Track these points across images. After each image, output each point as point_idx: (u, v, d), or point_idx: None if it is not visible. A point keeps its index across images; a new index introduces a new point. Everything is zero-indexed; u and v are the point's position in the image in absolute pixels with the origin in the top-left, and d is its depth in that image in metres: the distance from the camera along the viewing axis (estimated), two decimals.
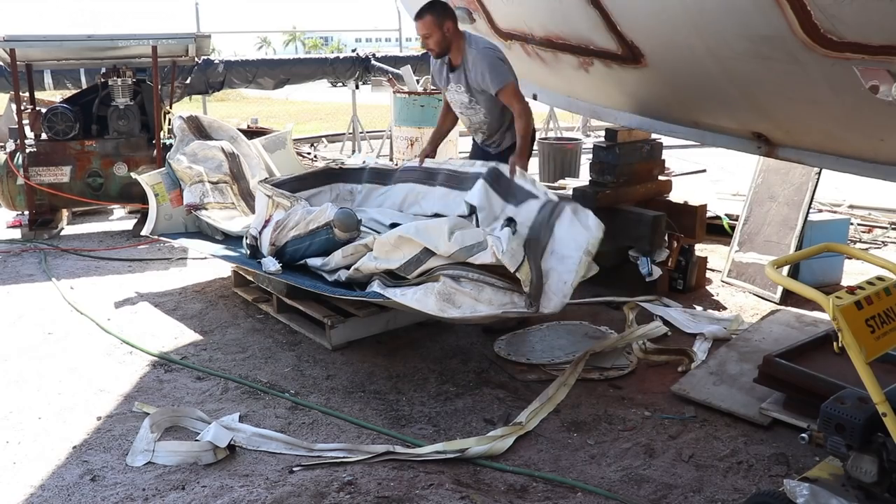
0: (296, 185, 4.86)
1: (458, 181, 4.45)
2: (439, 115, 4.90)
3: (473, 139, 4.75)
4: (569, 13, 4.02)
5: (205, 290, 5.13)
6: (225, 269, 5.34)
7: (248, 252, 4.58)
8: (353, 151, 11.05)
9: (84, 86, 9.28)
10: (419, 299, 3.49)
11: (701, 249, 5.17)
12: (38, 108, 6.88)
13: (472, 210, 4.11)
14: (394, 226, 4.13)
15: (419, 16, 4.17)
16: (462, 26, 4.44)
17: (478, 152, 4.70)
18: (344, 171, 5.23)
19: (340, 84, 14.85)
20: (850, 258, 4.95)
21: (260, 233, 4.45)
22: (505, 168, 4.17)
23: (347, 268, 3.96)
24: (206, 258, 5.58)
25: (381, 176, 5.05)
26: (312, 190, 4.91)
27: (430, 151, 4.78)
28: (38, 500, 2.78)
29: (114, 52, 7.22)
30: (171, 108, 7.75)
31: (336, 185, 5.07)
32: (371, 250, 3.86)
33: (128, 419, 3.36)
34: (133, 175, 5.97)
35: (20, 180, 6.57)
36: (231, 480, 2.86)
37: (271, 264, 4.19)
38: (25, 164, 6.53)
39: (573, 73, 4.61)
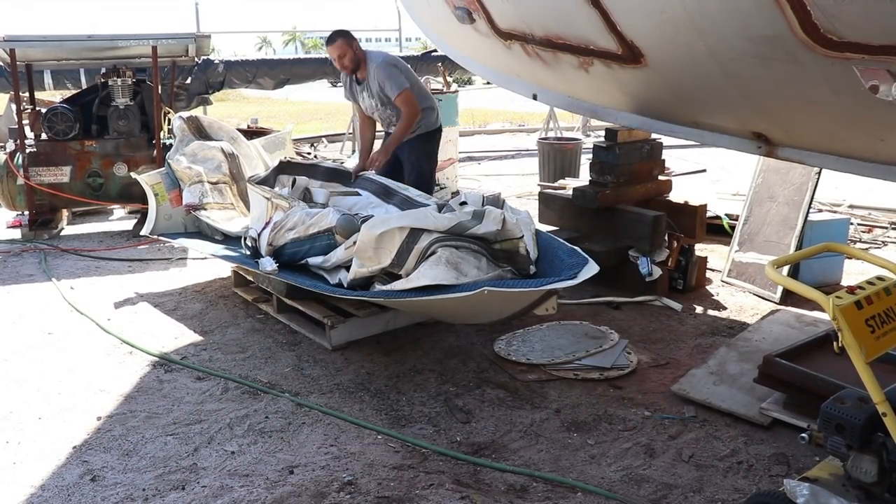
0: (270, 181, 5.00)
1: (410, 206, 4.41)
2: (359, 129, 5.66)
3: (386, 132, 5.31)
4: (569, 13, 4.02)
5: (205, 290, 5.13)
6: (225, 269, 5.34)
7: (249, 252, 4.58)
8: (353, 151, 11.04)
9: (84, 86, 9.28)
10: (427, 274, 3.44)
11: (701, 249, 5.17)
12: (38, 108, 6.89)
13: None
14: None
15: (331, 41, 4.96)
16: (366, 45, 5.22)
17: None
18: (292, 165, 5.32)
19: (340, 84, 14.87)
20: (850, 258, 4.95)
21: (259, 234, 4.45)
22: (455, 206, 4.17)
23: (348, 269, 3.96)
24: (206, 258, 5.58)
25: (340, 176, 5.15)
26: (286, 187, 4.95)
27: (362, 167, 5.14)
28: (38, 500, 2.78)
29: (114, 52, 7.23)
30: (171, 108, 7.74)
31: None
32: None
33: (128, 419, 3.37)
34: (133, 175, 5.97)
35: (20, 180, 6.58)
36: (231, 480, 2.86)
37: (268, 264, 4.19)
38: (25, 165, 6.54)
39: (573, 73, 4.61)
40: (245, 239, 4.65)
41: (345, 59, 4.95)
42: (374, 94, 5.05)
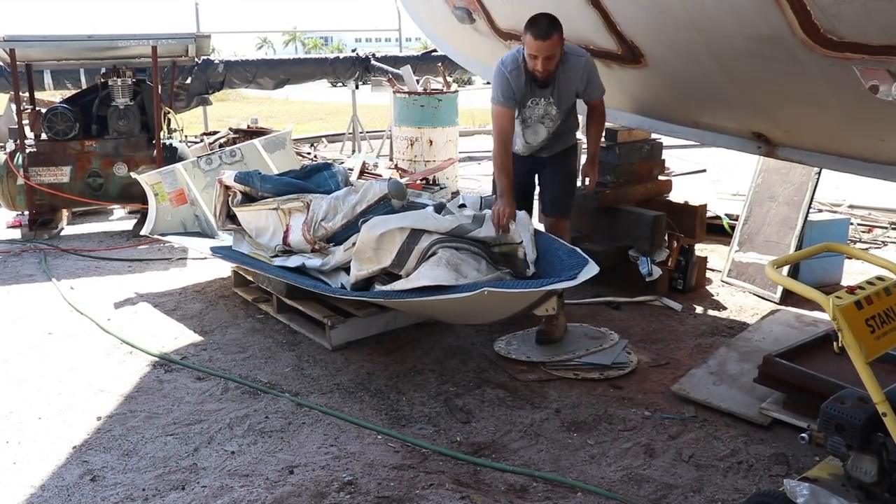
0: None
1: (409, 207, 4.32)
2: (503, 149, 3.96)
3: (519, 156, 4.17)
4: (569, 13, 4.02)
5: (205, 290, 5.13)
6: (225, 269, 5.34)
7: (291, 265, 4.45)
8: (354, 151, 11.05)
9: (84, 86, 9.28)
10: (428, 274, 3.45)
11: (701, 249, 5.17)
12: (38, 108, 6.88)
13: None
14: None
15: (547, 35, 3.63)
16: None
17: (524, 164, 4.20)
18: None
19: (340, 84, 14.87)
20: (850, 258, 4.95)
21: (286, 242, 4.45)
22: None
23: (347, 271, 3.97)
24: (205, 258, 5.58)
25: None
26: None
27: (509, 208, 3.82)
28: (38, 500, 2.78)
29: (114, 53, 7.22)
30: (171, 108, 7.74)
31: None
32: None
33: (128, 419, 3.37)
34: (133, 175, 5.98)
35: (20, 180, 6.57)
36: (231, 480, 2.86)
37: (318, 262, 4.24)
38: (25, 164, 6.53)
39: None
40: (270, 253, 4.59)
41: (554, 59, 3.75)
42: (560, 101, 3.95)
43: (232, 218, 4.85)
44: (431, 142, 8.00)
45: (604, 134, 4.66)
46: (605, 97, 4.09)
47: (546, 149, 4.18)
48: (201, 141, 9.58)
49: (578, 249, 3.59)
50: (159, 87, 6.93)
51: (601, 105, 4.10)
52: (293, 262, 4.36)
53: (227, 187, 4.76)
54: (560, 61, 3.79)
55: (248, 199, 4.70)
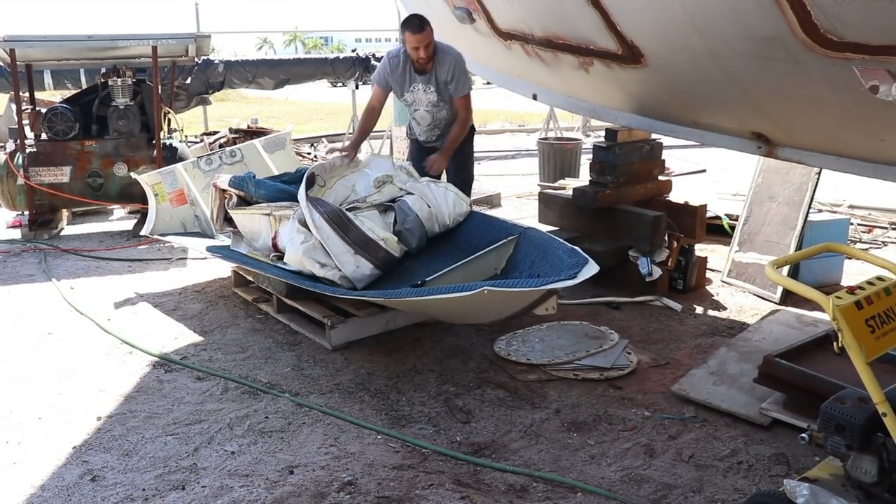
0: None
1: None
2: (365, 115, 5.12)
3: (415, 140, 5.12)
4: (569, 13, 4.02)
5: (205, 290, 5.13)
6: (225, 269, 5.34)
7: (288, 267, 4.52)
8: None
9: (84, 86, 9.28)
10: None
11: (701, 249, 5.17)
12: (38, 108, 6.89)
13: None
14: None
15: (420, 28, 4.50)
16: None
17: (419, 151, 5.07)
18: None
19: (340, 84, 14.86)
20: (850, 258, 4.95)
21: (275, 248, 4.46)
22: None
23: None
24: (205, 258, 5.58)
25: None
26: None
27: (354, 149, 4.87)
28: (38, 500, 2.78)
29: (114, 53, 7.22)
30: (171, 108, 7.74)
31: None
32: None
33: (128, 419, 3.37)
34: (133, 175, 5.98)
35: (20, 180, 6.58)
36: (231, 480, 2.86)
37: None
38: (25, 164, 6.53)
39: (573, 73, 4.61)
40: (267, 257, 4.60)
41: (429, 48, 4.60)
42: (437, 88, 4.73)
43: (229, 220, 4.86)
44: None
45: (603, 134, 4.70)
46: (605, 98, 4.09)
47: (439, 139, 4.95)
48: (201, 141, 9.59)
49: (578, 249, 3.59)
50: (159, 87, 6.93)
51: (462, 103, 4.74)
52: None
53: (223, 190, 4.77)
54: (434, 55, 4.62)
55: (244, 201, 4.71)
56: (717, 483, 2.82)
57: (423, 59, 4.61)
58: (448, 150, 4.77)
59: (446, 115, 4.86)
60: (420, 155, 4.98)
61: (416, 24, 4.54)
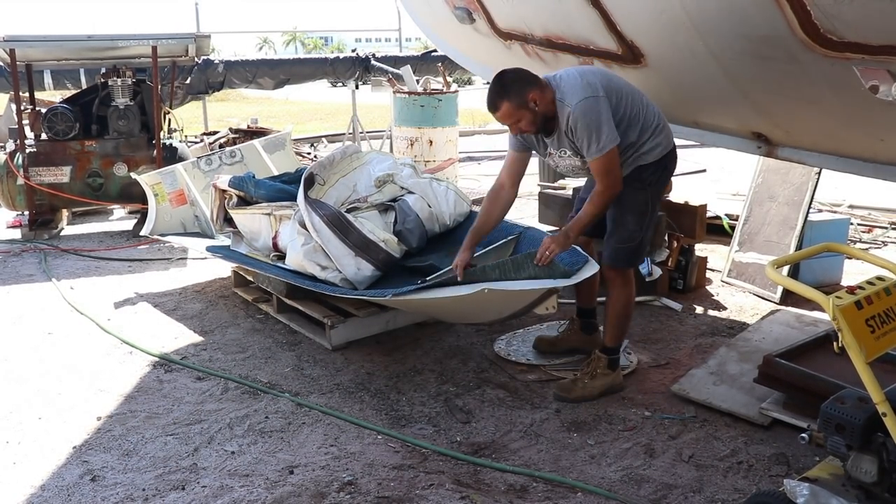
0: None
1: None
2: (490, 197, 3.59)
3: (577, 194, 3.98)
4: (569, 13, 4.02)
5: (205, 290, 5.13)
6: (225, 269, 5.34)
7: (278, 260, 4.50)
8: None
9: (84, 86, 9.28)
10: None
11: (701, 249, 5.17)
12: (38, 108, 6.89)
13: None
14: None
15: (494, 107, 3.30)
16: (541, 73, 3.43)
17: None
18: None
19: (340, 84, 14.87)
20: (850, 258, 4.95)
21: (276, 248, 4.45)
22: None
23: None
24: (205, 258, 5.58)
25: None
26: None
27: (468, 258, 3.50)
28: (38, 500, 2.78)
29: (114, 53, 7.23)
30: (171, 108, 7.75)
31: None
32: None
33: (128, 419, 3.37)
34: (133, 175, 5.98)
35: (20, 180, 6.58)
36: (231, 480, 2.86)
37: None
38: (25, 164, 6.54)
39: None
40: (268, 257, 4.60)
41: (521, 123, 3.30)
42: (568, 152, 3.38)
43: (229, 220, 4.86)
44: (431, 142, 7.99)
45: None
46: None
47: None
48: (201, 141, 9.59)
49: (578, 248, 3.59)
50: (159, 87, 6.93)
51: (596, 167, 3.25)
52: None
53: (223, 191, 4.77)
54: (554, 110, 3.28)
55: (244, 201, 4.71)
56: (717, 483, 2.82)
57: (525, 131, 3.36)
58: (572, 230, 3.37)
59: None
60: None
61: (490, 101, 3.31)
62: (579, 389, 3.47)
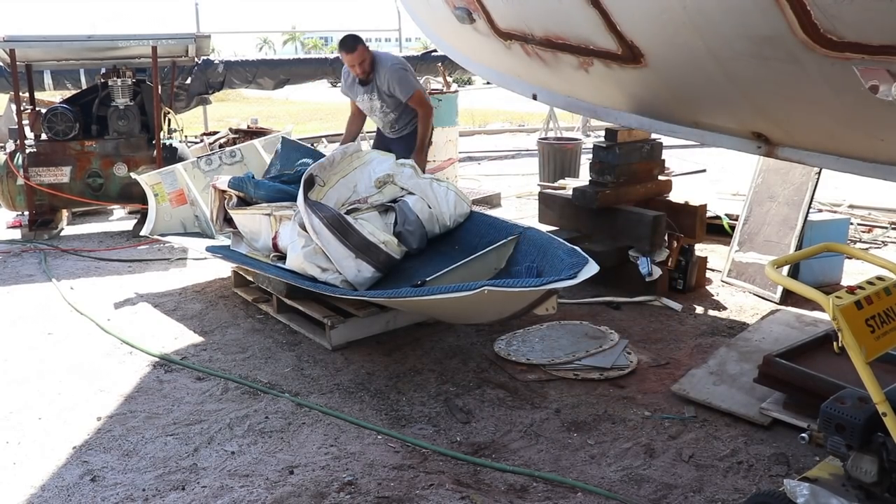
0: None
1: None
2: (348, 122, 5.77)
3: (379, 130, 5.69)
4: (569, 13, 4.02)
5: (205, 291, 5.13)
6: (225, 269, 5.34)
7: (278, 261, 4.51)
8: None
9: (84, 86, 9.28)
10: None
11: (701, 249, 5.17)
12: (37, 109, 6.89)
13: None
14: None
15: (351, 48, 5.02)
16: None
17: (381, 139, 5.65)
18: None
19: (340, 83, 14.86)
20: (850, 258, 4.95)
21: (276, 248, 4.45)
22: None
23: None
24: (205, 258, 5.58)
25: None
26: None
27: None
28: (38, 500, 2.78)
29: (114, 53, 7.23)
30: (171, 108, 7.74)
31: None
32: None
33: (128, 419, 3.37)
34: (133, 175, 5.98)
35: (20, 180, 6.58)
36: (231, 481, 2.86)
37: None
38: (25, 165, 6.54)
39: (573, 73, 4.61)
40: (268, 258, 4.59)
41: (364, 64, 5.09)
42: (381, 96, 5.24)
43: (229, 221, 4.86)
44: (431, 142, 7.98)
45: (603, 134, 4.68)
46: (605, 98, 4.09)
47: (391, 132, 5.53)
48: (201, 141, 9.58)
49: (578, 249, 3.59)
50: (159, 87, 6.93)
51: (415, 101, 5.19)
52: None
53: (223, 191, 4.77)
54: (374, 68, 5.13)
55: (244, 202, 4.71)
56: (717, 483, 2.82)
57: (361, 74, 5.15)
58: (418, 150, 5.23)
59: (394, 117, 5.38)
60: (381, 142, 5.57)
61: (349, 44, 5.04)
62: None
